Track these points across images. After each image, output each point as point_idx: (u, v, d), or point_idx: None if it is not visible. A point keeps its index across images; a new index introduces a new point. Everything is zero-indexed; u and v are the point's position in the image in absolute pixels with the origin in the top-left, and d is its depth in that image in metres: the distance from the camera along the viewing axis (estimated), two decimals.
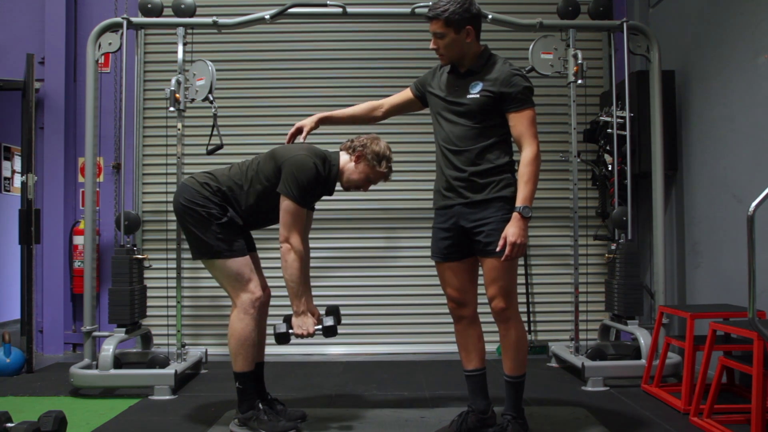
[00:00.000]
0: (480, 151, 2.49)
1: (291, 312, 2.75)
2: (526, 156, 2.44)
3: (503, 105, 2.47)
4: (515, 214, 2.40)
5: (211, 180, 2.75)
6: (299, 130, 2.84)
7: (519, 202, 2.41)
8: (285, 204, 2.65)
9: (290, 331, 2.71)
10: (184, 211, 2.70)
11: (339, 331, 2.75)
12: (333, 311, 2.82)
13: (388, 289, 4.73)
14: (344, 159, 2.84)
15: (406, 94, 2.80)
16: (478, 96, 2.48)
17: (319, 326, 2.72)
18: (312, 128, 2.85)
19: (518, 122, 2.46)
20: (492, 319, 2.56)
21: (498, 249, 2.39)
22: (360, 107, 2.87)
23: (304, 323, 2.70)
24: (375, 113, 2.85)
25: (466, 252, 2.59)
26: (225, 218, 2.70)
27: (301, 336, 2.70)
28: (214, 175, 2.78)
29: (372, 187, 2.93)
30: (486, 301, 2.54)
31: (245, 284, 2.70)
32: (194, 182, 2.75)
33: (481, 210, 2.48)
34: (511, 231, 2.37)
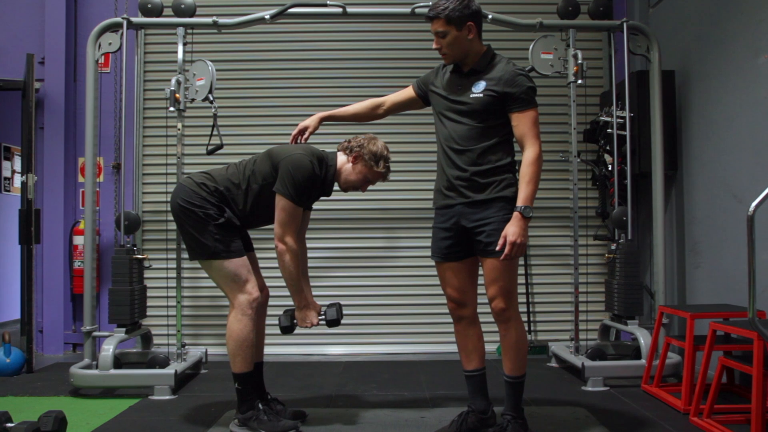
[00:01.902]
0: (482, 151, 2.48)
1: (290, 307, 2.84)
2: (528, 156, 2.44)
3: (506, 105, 2.47)
4: (516, 214, 2.39)
5: (208, 180, 2.74)
6: (302, 131, 2.85)
7: (520, 202, 2.41)
8: (281, 202, 2.65)
9: (295, 322, 2.80)
10: (182, 211, 2.69)
11: (339, 331, 2.81)
12: (334, 304, 2.87)
13: (388, 289, 4.73)
14: (341, 160, 2.83)
15: (408, 92, 2.79)
16: (481, 95, 2.47)
17: (322, 317, 2.81)
18: (315, 128, 2.85)
19: (521, 122, 2.46)
20: (492, 319, 2.56)
21: (498, 248, 2.38)
22: (361, 105, 2.87)
23: (306, 316, 2.78)
24: (376, 111, 2.85)
25: (466, 252, 2.58)
26: (222, 219, 2.69)
27: (306, 327, 2.78)
28: (211, 175, 2.77)
29: (371, 187, 2.92)
30: (486, 301, 2.54)
31: (243, 285, 2.69)
32: (191, 182, 2.73)
33: (482, 210, 2.48)
34: (512, 230, 2.37)
